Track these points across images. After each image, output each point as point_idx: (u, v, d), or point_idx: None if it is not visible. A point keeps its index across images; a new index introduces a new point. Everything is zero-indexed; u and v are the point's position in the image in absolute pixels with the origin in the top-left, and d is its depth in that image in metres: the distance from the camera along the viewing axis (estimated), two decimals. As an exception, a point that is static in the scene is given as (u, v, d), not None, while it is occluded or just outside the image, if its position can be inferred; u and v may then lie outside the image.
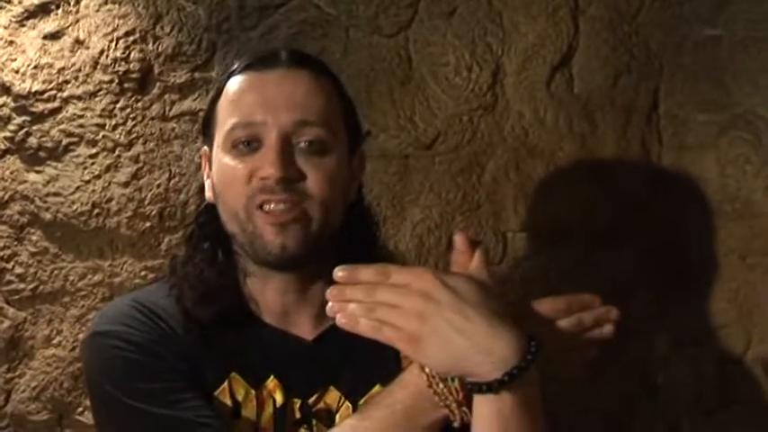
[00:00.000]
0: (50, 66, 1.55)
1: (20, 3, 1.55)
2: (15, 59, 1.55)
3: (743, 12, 1.61)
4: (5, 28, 1.55)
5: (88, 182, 1.57)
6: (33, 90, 1.55)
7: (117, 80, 1.56)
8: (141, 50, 1.56)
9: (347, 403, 1.10)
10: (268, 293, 1.12)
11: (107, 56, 1.55)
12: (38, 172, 1.57)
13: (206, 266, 1.12)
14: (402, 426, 0.95)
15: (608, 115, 1.63)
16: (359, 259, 0.97)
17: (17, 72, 1.55)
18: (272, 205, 1.06)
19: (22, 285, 1.58)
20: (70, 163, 1.56)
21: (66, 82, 1.55)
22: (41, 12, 1.56)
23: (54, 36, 1.56)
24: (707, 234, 1.63)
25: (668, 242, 1.63)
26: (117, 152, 1.57)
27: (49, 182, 1.56)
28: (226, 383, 1.08)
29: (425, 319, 0.86)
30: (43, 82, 1.55)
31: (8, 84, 1.55)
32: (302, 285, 1.12)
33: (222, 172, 1.10)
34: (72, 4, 1.56)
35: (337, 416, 1.10)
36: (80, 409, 1.57)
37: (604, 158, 1.63)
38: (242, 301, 1.13)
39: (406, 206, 1.61)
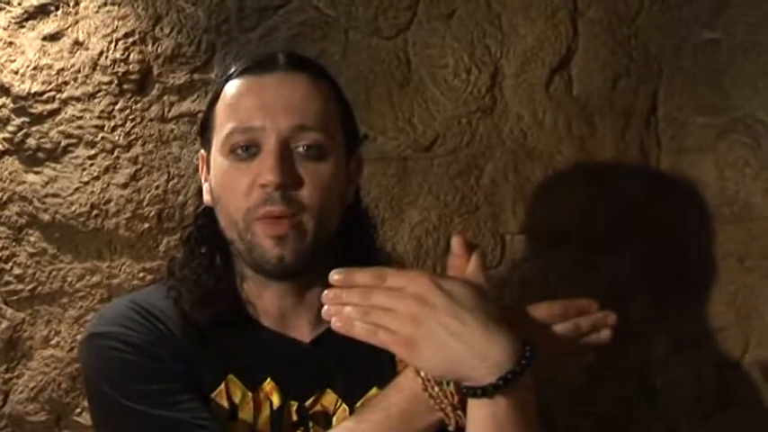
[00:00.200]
0: (49, 67, 1.55)
1: (19, 4, 1.55)
2: (14, 60, 1.55)
3: (742, 15, 1.61)
4: (5, 29, 1.55)
5: (87, 183, 1.57)
6: (32, 91, 1.55)
7: (116, 81, 1.56)
8: (140, 52, 1.56)
9: (344, 406, 1.10)
10: (265, 297, 1.13)
11: (106, 57, 1.55)
12: (36, 173, 1.57)
13: (204, 270, 1.12)
14: (398, 429, 0.95)
15: (607, 118, 1.63)
16: (357, 262, 0.97)
17: (16, 73, 1.55)
18: (270, 207, 1.05)
19: (20, 286, 1.57)
20: (69, 164, 1.56)
21: (66, 83, 1.55)
22: (41, 13, 1.55)
23: (53, 37, 1.56)
24: (705, 237, 1.63)
25: (667, 245, 1.63)
26: (116, 153, 1.57)
27: (47, 183, 1.56)
28: (223, 385, 1.08)
29: (421, 323, 0.86)
30: (42, 83, 1.55)
31: (7, 85, 1.55)
32: (300, 290, 1.12)
33: (221, 177, 1.10)
34: (71, 5, 1.56)
35: (334, 418, 1.10)
36: (78, 410, 1.57)
37: (603, 161, 1.63)
38: (239, 304, 1.13)
39: (404, 208, 1.61)
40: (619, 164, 1.64)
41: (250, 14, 1.58)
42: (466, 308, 0.86)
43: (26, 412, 1.57)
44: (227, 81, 1.13)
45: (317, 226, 1.07)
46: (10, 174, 1.56)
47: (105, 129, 1.56)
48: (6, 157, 1.56)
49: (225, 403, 1.07)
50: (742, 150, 1.61)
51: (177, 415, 1.01)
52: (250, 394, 1.08)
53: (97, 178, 1.57)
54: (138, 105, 1.57)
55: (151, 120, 1.57)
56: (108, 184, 1.57)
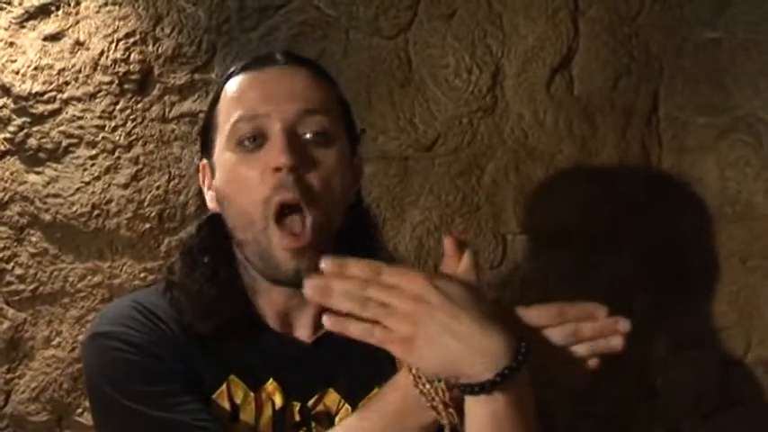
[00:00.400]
0: (50, 67, 1.55)
1: (20, 4, 1.55)
2: (15, 61, 1.55)
3: (743, 14, 1.61)
4: (6, 29, 1.55)
5: (88, 183, 1.57)
6: (33, 91, 1.55)
7: (117, 81, 1.56)
8: (141, 52, 1.56)
9: (346, 405, 1.10)
10: (271, 299, 1.12)
11: (107, 57, 1.55)
12: (38, 173, 1.57)
13: (206, 280, 1.10)
14: (395, 427, 0.95)
15: (608, 117, 1.63)
16: (358, 261, 0.97)
17: (17, 73, 1.55)
18: (284, 195, 1.03)
19: (21, 286, 1.58)
20: (70, 164, 1.56)
21: (66, 83, 1.55)
22: (42, 13, 1.56)
23: (54, 37, 1.56)
24: (707, 237, 1.63)
25: (668, 245, 1.63)
26: (117, 153, 1.57)
27: (48, 183, 1.56)
28: (224, 386, 1.07)
29: (417, 322, 0.86)
30: (43, 83, 1.55)
31: (8, 85, 1.55)
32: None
33: (229, 172, 1.09)
34: (72, 5, 1.56)
35: (337, 418, 1.10)
36: (79, 410, 1.57)
37: (604, 161, 1.63)
38: (244, 310, 1.12)
39: (405, 208, 1.61)
40: (620, 163, 1.64)
41: (251, 14, 1.58)
42: (461, 306, 0.86)
43: (27, 412, 1.57)
44: (227, 80, 1.13)
45: (325, 219, 1.06)
46: (11, 174, 1.56)
47: (106, 129, 1.56)
48: (7, 157, 1.56)
49: (226, 404, 1.07)
50: (743, 150, 1.61)
51: (178, 416, 1.01)
52: (252, 395, 1.08)
53: (98, 178, 1.57)
54: (139, 105, 1.57)
55: (152, 120, 1.57)
56: (109, 185, 1.57)
